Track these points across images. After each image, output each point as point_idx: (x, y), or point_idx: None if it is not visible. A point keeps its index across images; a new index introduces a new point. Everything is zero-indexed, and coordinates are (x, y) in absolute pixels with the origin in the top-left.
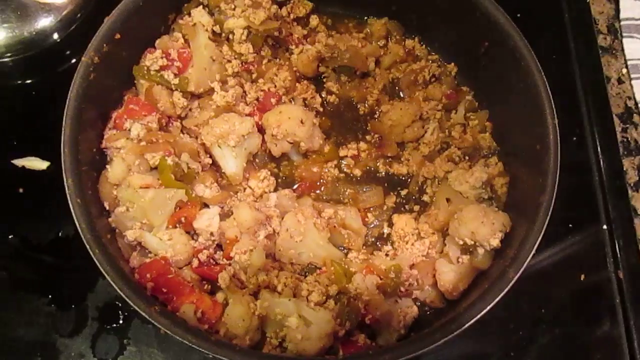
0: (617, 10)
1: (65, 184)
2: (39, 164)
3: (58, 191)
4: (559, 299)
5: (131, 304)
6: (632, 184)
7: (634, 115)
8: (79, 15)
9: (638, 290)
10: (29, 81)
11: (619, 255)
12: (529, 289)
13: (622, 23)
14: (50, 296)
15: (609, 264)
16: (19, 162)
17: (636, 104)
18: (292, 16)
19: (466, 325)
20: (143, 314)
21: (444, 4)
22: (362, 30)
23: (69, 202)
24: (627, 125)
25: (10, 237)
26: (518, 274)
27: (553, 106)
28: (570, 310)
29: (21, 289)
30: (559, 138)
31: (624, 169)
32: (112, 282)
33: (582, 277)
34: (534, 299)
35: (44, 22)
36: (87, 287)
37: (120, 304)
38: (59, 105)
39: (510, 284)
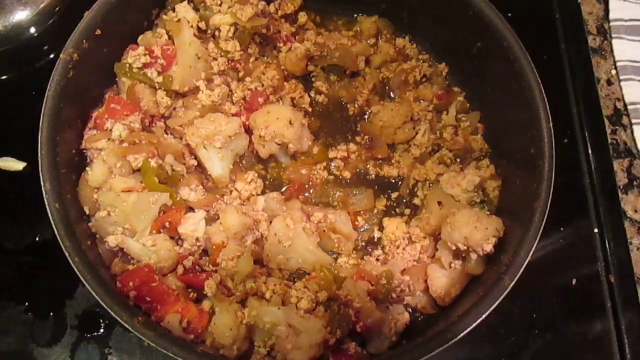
0: (607, 11)
1: (42, 188)
2: (14, 165)
3: (35, 193)
4: (551, 304)
5: (113, 314)
6: (621, 187)
7: (623, 116)
8: (57, 8)
9: (629, 293)
10: (4, 77)
11: (609, 259)
12: (520, 293)
13: (611, 24)
14: (27, 303)
15: (600, 268)
16: None
17: (625, 105)
18: (280, 13)
19: (461, 335)
20: (125, 325)
21: (436, 2)
22: (351, 28)
23: (47, 207)
24: (617, 127)
25: None
26: (514, 282)
27: (548, 110)
28: (562, 314)
29: None
30: (554, 143)
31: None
32: (93, 292)
33: (574, 281)
34: (526, 304)
35: (20, 15)
36: (66, 293)
37: (100, 312)
38: (36, 103)
39: (506, 292)
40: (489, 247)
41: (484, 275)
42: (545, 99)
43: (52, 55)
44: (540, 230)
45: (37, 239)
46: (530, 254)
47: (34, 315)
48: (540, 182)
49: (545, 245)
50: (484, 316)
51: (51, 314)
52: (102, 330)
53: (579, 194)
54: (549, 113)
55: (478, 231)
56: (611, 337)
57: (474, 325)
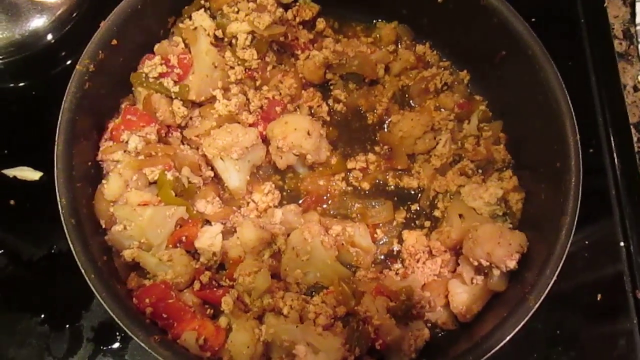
0: (633, 15)
1: (58, 204)
2: (31, 175)
3: (51, 203)
4: (575, 319)
5: (130, 333)
6: None
7: None
8: (74, 15)
9: None
10: (21, 84)
11: (636, 273)
12: (543, 308)
13: (637, 28)
14: (43, 315)
15: (627, 283)
16: (10, 172)
17: None
18: (297, 19)
19: (484, 358)
20: (142, 344)
21: (458, 9)
22: (370, 34)
23: (63, 222)
24: None
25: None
26: (539, 302)
27: (575, 122)
28: (586, 331)
29: (12, 308)
30: (581, 157)
31: None
32: (109, 310)
33: (599, 297)
34: (549, 319)
35: (37, 22)
36: (81, 306)
37: (116, 325)
38: (53, 110)
39: (531, 313)
40: (512, 264)
41: (507, 293)
42: (572, 111)
43: (69, 62)
44: (567, 248)
45: (53, 249)
46: (557, 273)
47: (50, 328)
48: (566, 198)
49: (570, 258)
50: (507, 338)
51: (67, 326)
52: (118, 343)
53: (605, 205)
54: (576, 126)
55: (501, 247)
56: (637, 354)
57: (497, 348)
